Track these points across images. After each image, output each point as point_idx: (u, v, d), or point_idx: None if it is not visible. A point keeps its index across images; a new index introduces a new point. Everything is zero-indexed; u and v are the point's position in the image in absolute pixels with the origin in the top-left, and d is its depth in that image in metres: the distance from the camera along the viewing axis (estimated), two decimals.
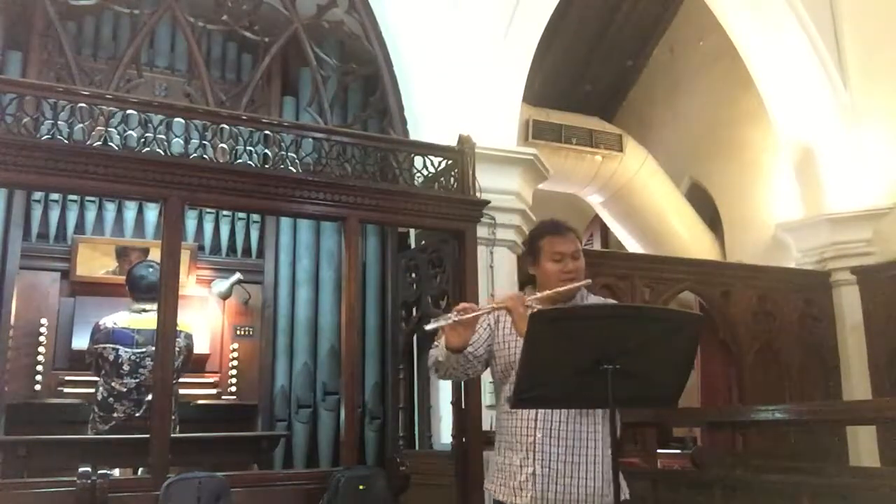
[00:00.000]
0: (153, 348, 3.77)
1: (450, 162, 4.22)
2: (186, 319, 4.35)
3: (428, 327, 2.45)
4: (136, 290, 4.22)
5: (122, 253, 4.96)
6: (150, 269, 4.18)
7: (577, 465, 2.28)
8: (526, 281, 2.59)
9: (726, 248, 7.29)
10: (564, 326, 2.04)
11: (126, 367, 4.10)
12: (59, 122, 3.48)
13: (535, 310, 2.41)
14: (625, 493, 2.32)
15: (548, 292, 2.39)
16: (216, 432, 4.60)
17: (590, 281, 2.46)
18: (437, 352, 2.41)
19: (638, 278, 5.19)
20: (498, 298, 2.43)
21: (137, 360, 4.11)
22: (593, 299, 2.53)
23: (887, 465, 5.02)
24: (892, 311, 5.46)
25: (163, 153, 3.61)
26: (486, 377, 3.91)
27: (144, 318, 4.11)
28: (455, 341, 2.34)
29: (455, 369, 2.43)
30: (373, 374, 5.15)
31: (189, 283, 5.03)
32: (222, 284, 5.22)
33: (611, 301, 2.53)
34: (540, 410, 2.32)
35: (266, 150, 3.91)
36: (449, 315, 2.35)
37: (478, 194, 4.19)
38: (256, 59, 5.18)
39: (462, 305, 2.37)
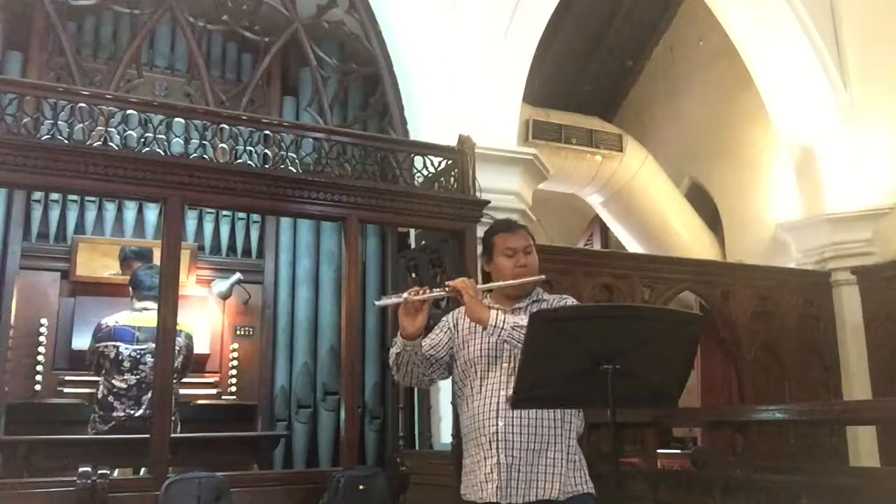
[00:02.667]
0: (153, 345, 3.77)
1: (450, 162, 4.22)
2: (187, 320, 4.35)
3: (378, 302, 2.54)
4: (140, 287, 4.23)
5: (124, 262, 4.94)
6: (154, 271, 4.19)
7: (539, 451, 2.30)
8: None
9: (726, 248, 7.29)
10: (564, 326, 2.04)
11: (126, 364, 4.10)
12: (59, 122, 3.48)
13: (484, 297, 2.49)
14: (589, 488, 2.34)
15: (500, 283, 2.46)
16: (216, 432, 4.60)
17: (542, 277, 2.50)
18: (396, 344, 2.45)
19: (638, 278, 5.18)
20: (448, 282, 2.45)
21: (137, 356, 4.12)
22: (549, 297, 2.54)
23: (887, 465, 5.01)
24: (892, 311, 5.46)
25: (163, 153, 3.61)
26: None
27: (145, 316, 4.12)
28: (409, 328, 2.37)
29: (414, 365, 2.45)
30: (373, 374, 5.15)
31: (189, 283, 5.03)
32: (222, 284, 5.22)
33: (569, 299, 2.53)
34: (500, 400, 2.33)
35: (266, 150, 3.91)
36: (400, 294, 2.39)
37: (478, 194, 4.18)
38: (256, 59, 5.19)
39: (414, 288, 2.42)
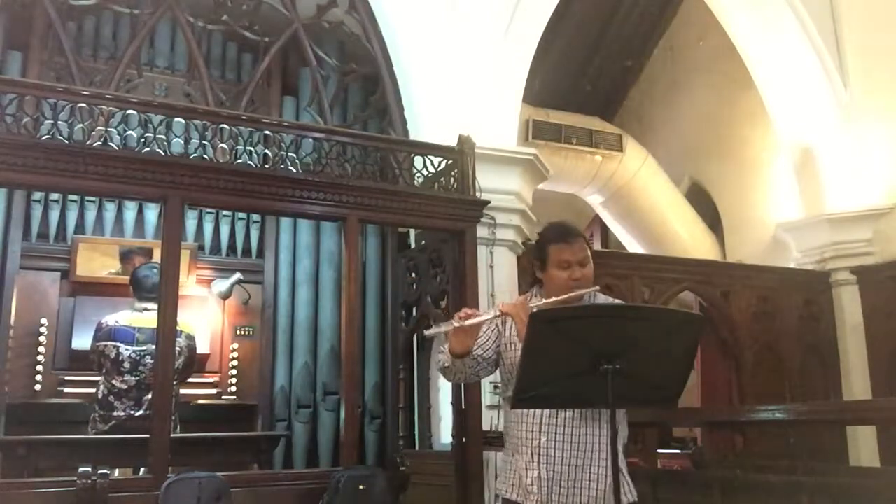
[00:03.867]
0: (153, 346, 3.77)
1: (450, 162, 4.22)
2: (187, 320, 4.35)
3: (428, 333, 2.47)
4: (140, 289, 4.23)
5: (125, 258, 4.95)
6: (154, 270, 4.19)
7: (581, 468, 2.28)
8: (531, 282, 2.59)
9: (726, 248, 7.29)
10: (564, 326, 2.04)
11: (126, 365, 4.10)
12: (59, 122, 3.48)
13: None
14: (632, 496, 2.33)
15: (553, 299, 2.38)
16: (216, 432, 4.60)
17: (597, 287, 2.44)
18: (443, 357, 2.42)
19: (638, 278, 5.19)
20: (501, 306, 2.41)
21: (138, 357, 4.11)
22: (601, 299, 2.52)
23: (887, 465, 5.02)
24: (892, 311, 5.46)
25: (163, 153, 3.61)
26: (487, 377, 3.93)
27: (146, 317, 4.11)
28: (458, 347, 2.34)
29: (463, 372, 2.43)
30: (373, 374, 5.15)
31: (189, 283, 5.03)
32: (222, 284, 5.22)
33: (617, 301, 2.52)
34: (544, 414, 2.32)
35: (266, 150, 3.91)
36: (451, 321, 2.35)
37: (478, 194, 4.19)
38: (256, 59, 5.19)
39: (464, 311, 2.36)
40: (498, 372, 2.55)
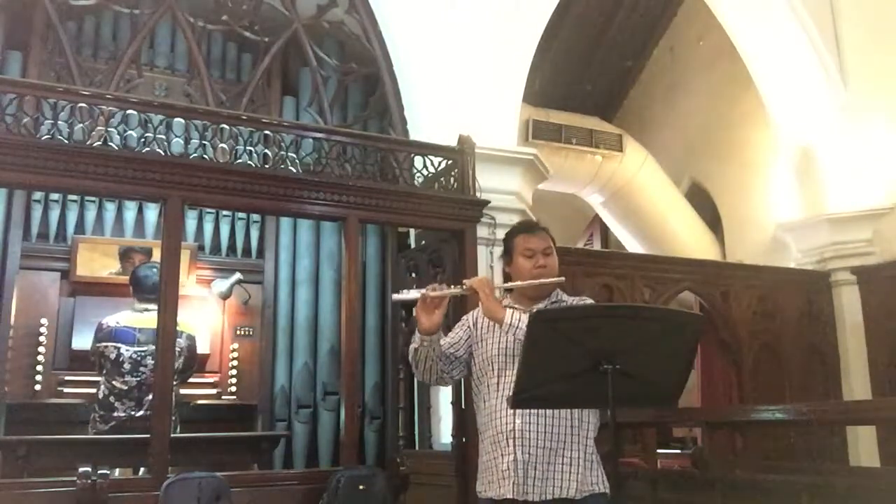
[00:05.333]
0: (154, 347, 3.77)
1: (450, 162, 4.22)
2: (188, 320, 4.35)
3: (395, 297, 2.58)
4: (140, 289, 4.23)
5: (125, 256, 4.95)
6: (154, 270, 4.19)
7: (556, 450, 2.31)
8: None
9: (726, 248, 7.29)
10: (564, 327, 2.04)
11: (127, 366, 4.10)
12: (59, 122, 3.48)
13: (505, 297, 2.53)
14: (604, 486, 2.35)
15: (518, 283, 2.48)
16: (216, 432, 4.60)
17: (562, 278, 2.50)
18: (414, 340, 2.47)
19: (638, 278, 5.19)
20: (466, 281, 2.48)
21: (138, 358, 4.11)
22: (568, 299, 2.54)
23: (887, 465, 5.01)
24: (892, 311, 5.46)
25: (163, 153, 3.61)
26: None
27: (146, 317, 4.11)
28: (426, 322, 2.40)
29: (432, 360, 2.47)
30: (373, 374, 5.15)
31: (189, 283, 5.03)
32: (222, 284, 5.22)
33: (587, 300, 2.54)
34: None
35: (266, 150, 3.91)
36: (418, 290, 2.43)
37: (478, 194, 4.19)
38: (256, 59, 5.19)
39: (432, 285, 2.46)
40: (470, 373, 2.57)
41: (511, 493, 2.30)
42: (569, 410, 2.34)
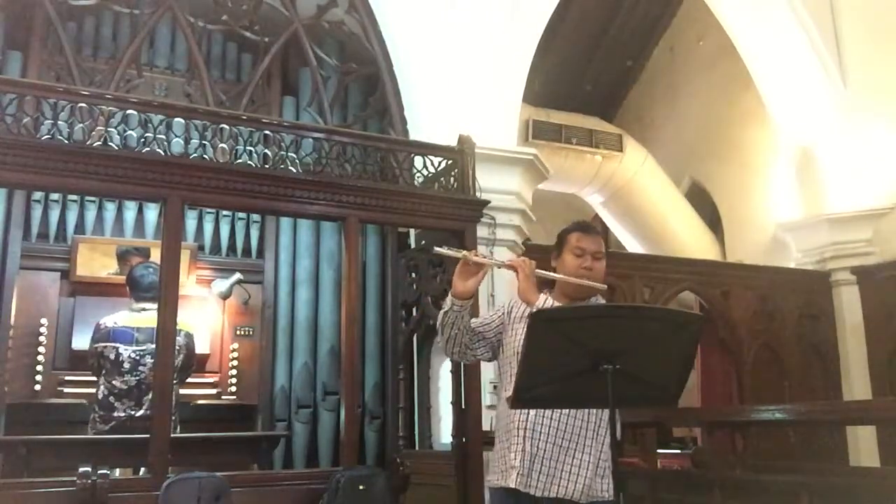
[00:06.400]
0: (153, 346, 3.77)
1: (450, 162, 4.22)
2: (187, 319, 4.35)
3: (437, 249, 2.54)
4: (137, 288, 4.22)
5: (122, 257, 4.95)
6: (150, 269, 4.19)
7: (566, 450, 2.32)
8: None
9: (726, 248, 7.30)
10: (564, 326, 2.04)
11: (126, 366, 4.09)
12: (59, 122, 3.48)
13: (546, 291, 2.53)
14: (609, 494, 2.34)
15: (559, 276, 2.48)
16: (216, 432, 4.60)
17: (604, 286, 2.51)
18: (445, 303, 2.48)
19: (638, 278, 5.19)
20: (510, 258, 2.51)
21: (137, 357, 4.11)
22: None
23: (887, 465, 5.02)
24: (892, 311, 5.46)
25: (163, 153, 3.61)
26: (486, 377, 3.93)
27: (144, 317, 4.11)
28: (459, 286, 2.42)
29: (460, 332, 2.48)
30: (373, 374, 5.15)
31: (189, 283, 5.03)
32: (222, 284, 5.21)
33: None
34: None
35: (266, 150, 3.91)
36: (461, 251, 2.46)
37: (478, 194, 4.19)
38: (256, 59, 5.19)
39: (477, 249, 2.46)
40: (496, 371, 2.57)
41: (514, 484, 2.31)
42: (586, 411, 2.34)
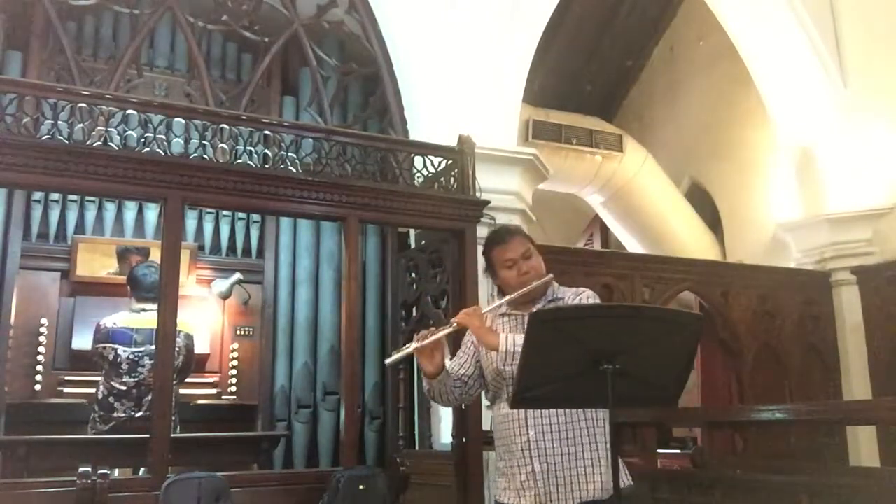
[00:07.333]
0: (152, 347, 3.77)
1: (450, 162, 4.22)
2: (187, 320, 4.35)
3: (387, 361, 2.53)
4: (139, 288, 4.22)
5: (122, 257, 4.95)
6: (152, 269, 4.19)
7: (573, 455, 2.30)
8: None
9: (726, 248, 7.29)
10: (564, 326, 2.04)
11: (124, 367, 4.10)
12: (59, 122, 3.48)
13: (503, 307, 2.49)
14: (628, 479, 2.35)
15: (506, 298, 2.45)
16: (216, 432, 4.60)
17: (549, 276, 2.47)
18: (424, 384, 2.48)
19: (638, 278, 5.18)
20: (455, 319, 2.44)
21: (136, 359, 4.11)
22: (566, 292, 2.52)
23: (887, 465, 5.01)
24: (892, 311, 5.46)
25: (163, 153, 3.61)
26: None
27: (144, 318, 4.11)
28: (429, 367, 2.40)
29: (449, 393, 2.48)
30: (373, 374, 5.15)
31: (189, 283, 5.03)
32: (222, 284, 5.22)
33: (586, 291, 2.52)
34: (528, 410, 2.33)
35: (266, 150, 3.91)
36: (408, 345, 2.41)
37: (478, 194, 4.18)
38: (256, 59, 5.19)
39: (421, 333, 2.42)
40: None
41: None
42: (582, 412, 2.33)
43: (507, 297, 2.45)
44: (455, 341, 2.75)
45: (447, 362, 2.48)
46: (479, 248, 4.17)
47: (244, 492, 3.44)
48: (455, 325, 2.41)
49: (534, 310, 2.41)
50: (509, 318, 2.49)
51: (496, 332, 2.41)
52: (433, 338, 2.37)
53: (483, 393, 2.59)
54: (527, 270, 2.45)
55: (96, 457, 3.28)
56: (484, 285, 4.15)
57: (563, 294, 2.50)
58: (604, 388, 1.99)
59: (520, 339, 2.26)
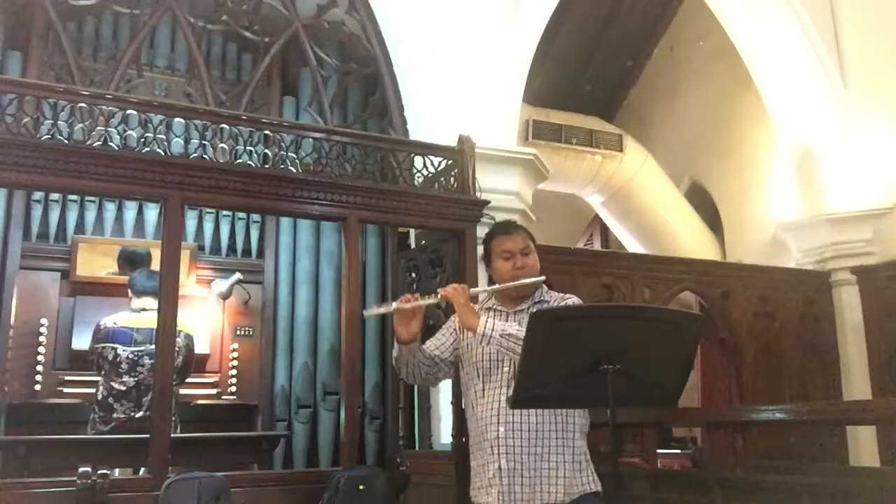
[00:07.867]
0: (151, 347, 3.77)
1: (450, 162, 4.22)
2: (187, 320, 4.35)
3: (366, 313, 2.63)
4: (137, 283, 4.23)
5: (122, 266, 4.93)
6: (153, 275, 4.20)
7: (540, 456, 2.30)
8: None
9: (726, 248, 7.29)
10: (564, 326, 2.04)
11: (124, 366, 4.10)
12: (59, 122, 3.48)
13: (489, 299, 2.52)
14: (596, 486, 2.35)
15: (494, 287, 2.48)
16: (216, 432, 4.60)
17: (542, 278, 2.48)
18: (395, 349, 2.49)
19: (638, 278, 5.18)
20: (441, 290, 2.45)
21: (135, 358, 4.11)
22: (552, 296, 2.53)
23: (887, 465, 5.01)
24: (892, 311, 5.45)
25: (163, 153, 3.61)
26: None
27: (144, 317, 4.12)
28: (403, 333, 2.41)
29: (415, 366, 2.48)
30: (373, 374, 5.15)
31: (189, 283, 5.03)
32: (222, 284, 5.22)
33: (573, 298, 2.52)
34: (501, 405, 2.34)
35: (266, 150, 3.91)
36: (391, 303, 2.44)
37: (478, 194, 4.18)
38: (256, 59, 5.19)
39: (405, 296, 2.44)
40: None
41: (497, 502, 2.29)
42: (553, 414, 2.33)
43: (496, 287, 2.48)
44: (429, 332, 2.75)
45: (419, 343, 2.49)
46: (479, 248, 4.21)
47: (244, 492, 3.44)
48: (440, 296, 2.43)
49: (518, 309, 2.43)
50: (495, 312, 2.49)
51: (478, 314, 2.41)
52: (416, 303, 2.40)
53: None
54: (521, 266, 2.48)
55: (96, 457, 3.28)
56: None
57: (549, 297, 2.51)
58: (603, 389, 1.99)
59: (500, 325, 2.27)
